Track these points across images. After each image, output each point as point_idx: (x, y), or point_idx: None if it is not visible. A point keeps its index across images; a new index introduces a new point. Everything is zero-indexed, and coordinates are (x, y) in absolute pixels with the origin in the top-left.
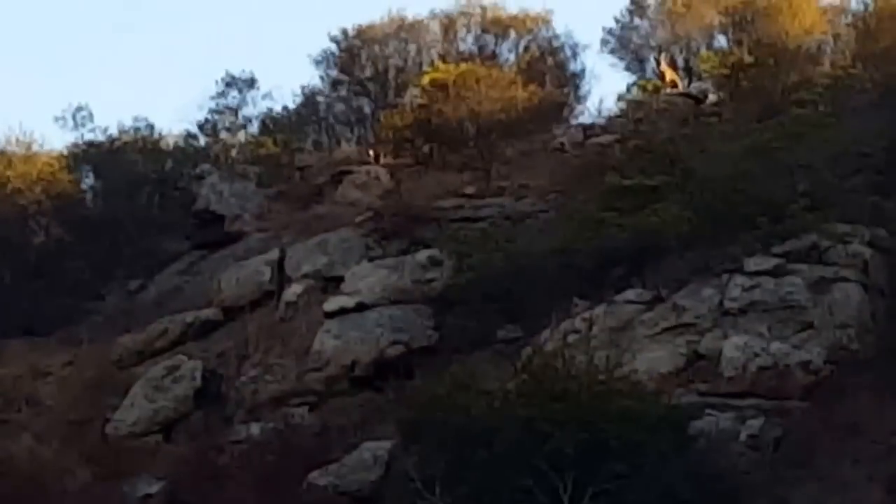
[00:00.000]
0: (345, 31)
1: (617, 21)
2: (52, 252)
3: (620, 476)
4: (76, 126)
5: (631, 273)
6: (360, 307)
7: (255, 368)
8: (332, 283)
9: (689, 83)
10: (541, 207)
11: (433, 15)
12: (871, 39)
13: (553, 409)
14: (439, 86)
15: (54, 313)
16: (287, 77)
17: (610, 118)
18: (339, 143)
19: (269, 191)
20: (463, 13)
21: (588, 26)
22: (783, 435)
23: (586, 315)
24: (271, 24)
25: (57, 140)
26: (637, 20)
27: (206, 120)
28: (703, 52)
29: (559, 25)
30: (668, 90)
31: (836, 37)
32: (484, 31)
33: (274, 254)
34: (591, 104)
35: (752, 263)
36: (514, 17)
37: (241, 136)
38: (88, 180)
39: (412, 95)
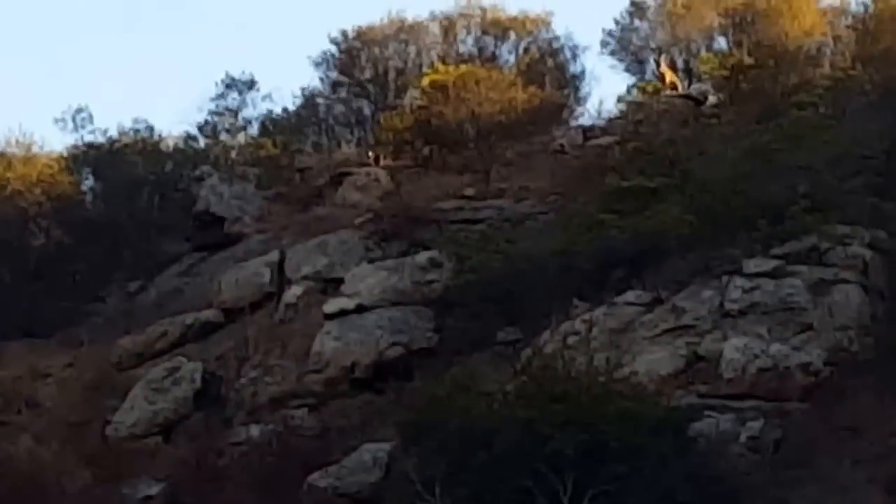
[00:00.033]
0: (344, 33)
1: (617, 23)
2: (52, 254)
3: (620, 477)
4: (76, 128)
5: (631, 275)
6: (360, 309)
7: (255, 370)
8: (331, 285)
9: (689, 85)
10: (541, 209)
11: (433, 16)
12: (871, 41)
13: (553, 410)
14: (439, 87)
15: (54, 315)
16: (287, 79)
17: (610, 120)
18: (338, 144)
19: (269, 192)
20: (463, 15)
21: (588, 28)
22: (783, 436)
23: (586, 317)
24: (271, 25)
25: (57, 142)
26: (637, 22)
27: (206, 122)
28: (703, 53)
29: (559, 27)
30: (668, 92)
31: (836, 38)
32: (484, 32)
33: (274, 255)
34: (591, 106)
35: (751, 265)
36: (514, 19)
37: (241, 137)
38: (88, 182)
39: (412, 97)
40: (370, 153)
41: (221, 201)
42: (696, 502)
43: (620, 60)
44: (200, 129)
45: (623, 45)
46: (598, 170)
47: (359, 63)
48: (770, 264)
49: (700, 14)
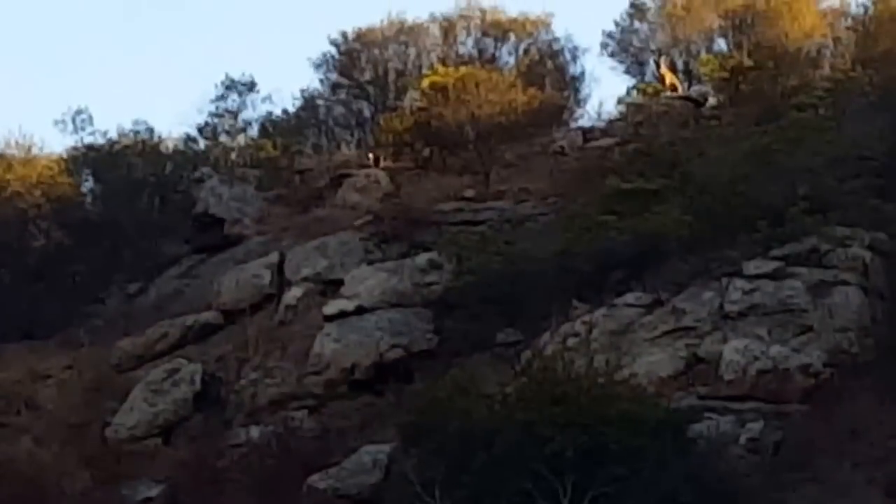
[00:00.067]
0: (344, 35)
1: (617, 24)
2: (52, 255)
3: (620, 479)
4: (76, 129)
5: (631, 276)
6: (360, 310)
7: (255, 372)
8: (331, 287)
9: (689, 86)
10: (540, 211)
11: (433, 18)
12: (871, 42)
13: (553, 412)
14: (439, 89)
15: (54, 316)
16: (287, 80)
17: (610, 121)
18: (338, 146)
19: (269, 194)
20: (463, 16)
21: (588, 29)
22: (783, 438)
23: (586, 318)
24: (271, 27)
25: (56, 143)
26: (637, 23)
27: (206, 123)
28: (703, 55)
29: (559, 29)
30: (668, 93)
31: (836, 40)
32: (484, 34)
33: (273, 257)
34: (591, 107)
35: (751, 267)
36: (514, 21)
37: (241, 139)
38: (88, 183)
39: (412, 99)
40: (370, 155)
41: (221, 203)
42: None
43: (620, 62)
44: (200, 130)
45: (623, 47)
46: (597, 171)
47: (359, 65)
48: (770, 266)
49: (700, 16)
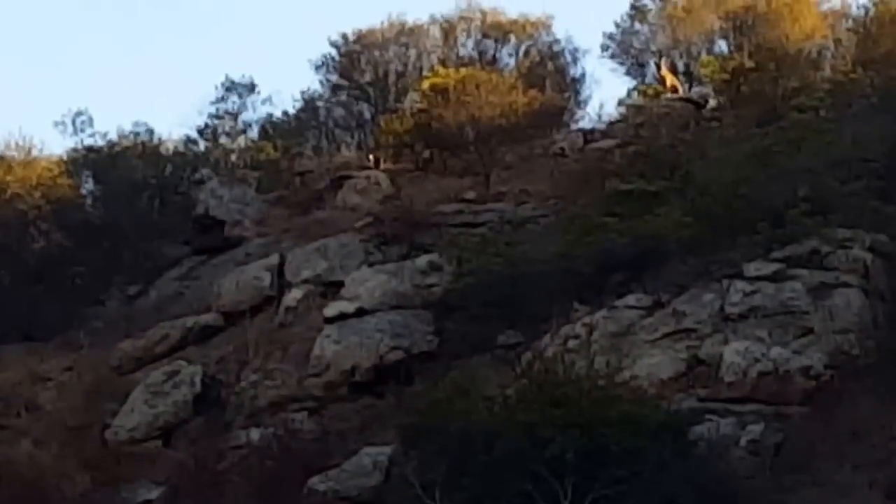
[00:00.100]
0: (345, 36)
1: (617, 26)
2: (52, 257)
3: (620, 481)
4: (76, 131)
5: (631, 278)
6: (360, 312)
7: (255, 374)
8: (331, 289)
9: (690, 88)
10: (541, 212)
11: (433, 20)
12: (872, 44)
13: (553, 414)
14: (439, 91)
15: (54, 318)
16: (287, 82)
17: (610, 123)
18: (339, 147)
19: (269, 196)
20: (463, 18)
21: (588, 31)
22: (783, 440)
23: (587, 320)
24: (271, 28)
25: (56, 145)
26: (637, 25)
27: (206, 125)
28: (704, 56)
29: (559, 30)
30: (669, 95)
31: (837, 41)
32: (484, 35)
33: (274, 259)
34: (592, 109)
35: (752, 268)
36: (515, 22)
37: (241, 140)
38: (88, 185)
39: (412, 100)
40: (370, 156)
41: (221, 205)
42: None
43: (621, 64)
44: (200, 132)
45: (623, 49)
46: (598, 173)
47: (359, 66)
48: (770, 268)
49: (700, 17)
